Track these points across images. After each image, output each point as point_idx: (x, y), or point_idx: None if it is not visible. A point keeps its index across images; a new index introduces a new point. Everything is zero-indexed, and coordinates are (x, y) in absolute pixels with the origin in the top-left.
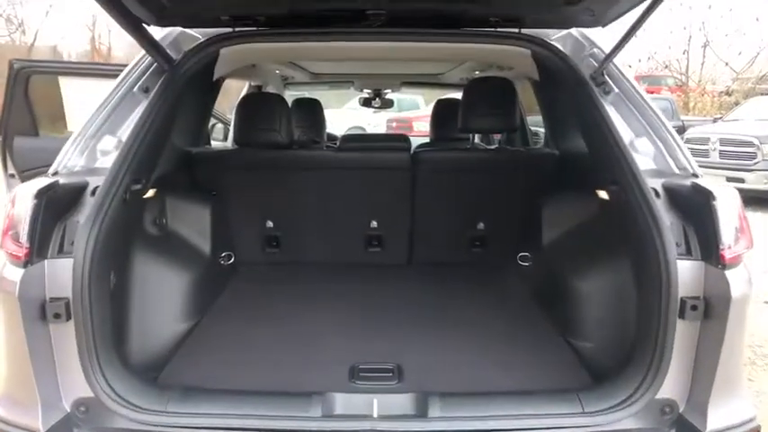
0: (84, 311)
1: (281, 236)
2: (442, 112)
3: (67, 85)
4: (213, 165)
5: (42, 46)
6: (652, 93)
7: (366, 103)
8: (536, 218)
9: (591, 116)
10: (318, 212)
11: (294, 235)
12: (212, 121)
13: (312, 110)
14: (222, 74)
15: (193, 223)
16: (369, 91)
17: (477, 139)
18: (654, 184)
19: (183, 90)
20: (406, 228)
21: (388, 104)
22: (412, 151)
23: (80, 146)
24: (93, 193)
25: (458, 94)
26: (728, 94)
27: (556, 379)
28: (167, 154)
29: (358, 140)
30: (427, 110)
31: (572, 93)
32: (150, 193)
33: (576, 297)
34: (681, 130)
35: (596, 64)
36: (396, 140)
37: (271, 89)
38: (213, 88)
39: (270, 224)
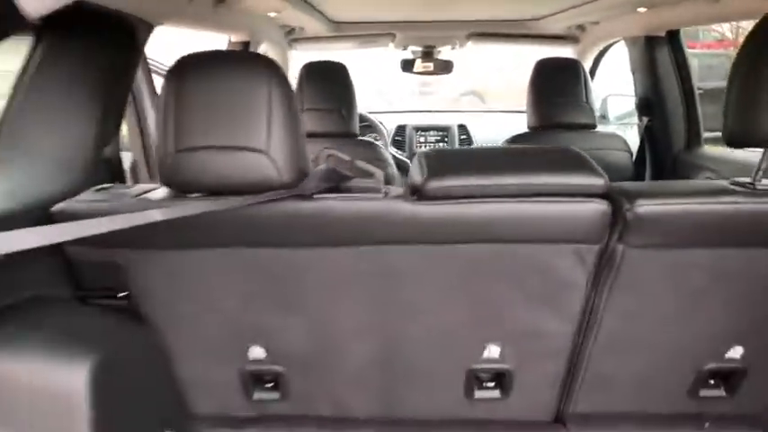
0: None
1: (284, 372)
2: (551, 81)
3: None
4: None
5: None
6: None
7: (408, 67)
8: None
9: None
10: (365, 326)
11: (311, 369)
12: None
13: (335, 81)
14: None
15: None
16: (416, 49)
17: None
18: None
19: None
20: (560, 355)
21: (444, 68)
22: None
23: None
24: None
25: (557, 51)
26: None
27: None
28: None
29: (458, 161)
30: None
31: None
32: None
33: None
34: None
35: None
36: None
37: (267, 49)
38: (133, 48)
39: (259, 352)
